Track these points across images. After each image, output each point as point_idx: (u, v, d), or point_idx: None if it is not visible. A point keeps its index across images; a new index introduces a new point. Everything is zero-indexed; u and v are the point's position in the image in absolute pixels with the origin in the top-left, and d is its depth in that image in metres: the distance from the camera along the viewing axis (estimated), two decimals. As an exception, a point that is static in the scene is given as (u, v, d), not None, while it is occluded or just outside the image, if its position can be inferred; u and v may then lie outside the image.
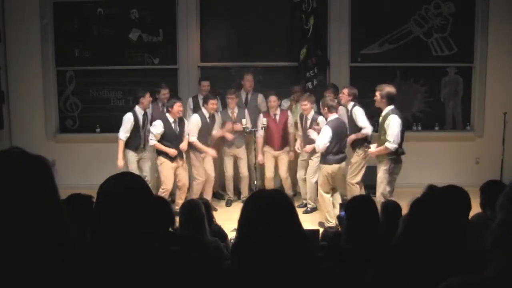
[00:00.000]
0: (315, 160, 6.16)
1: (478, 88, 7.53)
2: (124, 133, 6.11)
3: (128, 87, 7.46)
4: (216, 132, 6.52)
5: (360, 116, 6.01)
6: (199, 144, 6.27)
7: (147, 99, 6.23)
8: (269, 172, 6.79)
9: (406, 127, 5.79)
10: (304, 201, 6.64)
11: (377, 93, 5.53)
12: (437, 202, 2.20)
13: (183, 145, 6.18)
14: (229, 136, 6.54)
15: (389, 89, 5.54)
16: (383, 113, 5.51)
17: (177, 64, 7.51)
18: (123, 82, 7.57)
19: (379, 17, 7.41)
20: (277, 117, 6.62)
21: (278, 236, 1.62)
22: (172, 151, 6.02)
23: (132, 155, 6.21)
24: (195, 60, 7.50)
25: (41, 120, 7.59)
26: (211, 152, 6.35)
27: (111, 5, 7.44)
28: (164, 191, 6.08)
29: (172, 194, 6.41)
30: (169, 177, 6.10)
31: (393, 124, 5.33)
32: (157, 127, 5.97)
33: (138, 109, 6.23)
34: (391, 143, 5.31)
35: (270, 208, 1.68)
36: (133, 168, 6.15)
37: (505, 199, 1.19)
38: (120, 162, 6.08)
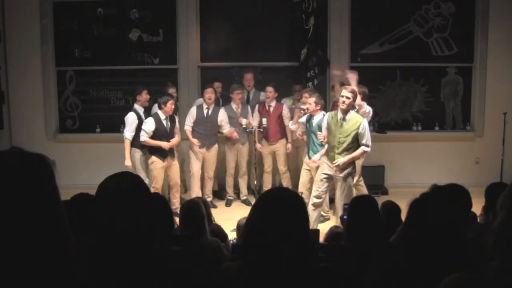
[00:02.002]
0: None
1: (478, 88, 7.53)
2: (130, 132, 6.12)
3: (128, 87, 7.47)
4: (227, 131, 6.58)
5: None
6: (189, 134, 6.46)
7: (143, 96, 6.25)
8: (266, 166, 6.85)
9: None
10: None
11: (350, 95, 5.00)
12: (437, 201, 2.20)
13: (174, 141, 6.22)
14: (235, 136, 6.59)
15: (364, 89, 5.45)
16: (349, 117, 5.03)
17: (177, 64, 7.50)
18: (123, 82, 7.57)
19: (379, 17, 7.41)
20: (271, 109, 6.68)
21: (287, 236, 1.62)
22: (164, 144, 6.06)
23: (138, 154, 6.21)
24: (195, 60, 7.50)
25: (41, 120, 7.59)
26: (196, 142, 6.44)
27: (111, 5, 7.44)
28: (154, 190, 6.09)
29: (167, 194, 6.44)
30: (160, 176, 6.15)
31: (367, 128, 5.11)
32: (148, 124, 6.02)
33: (138, 107, 6.26)
34: (370, 147, 5.09)
35: (281, 208, 1.67)
36: (140, 169, 6.16)
37: (506, 199, 1.19)
38: (128, 162, 6.09)
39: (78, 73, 7.61)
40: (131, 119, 6.16)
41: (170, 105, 6.04)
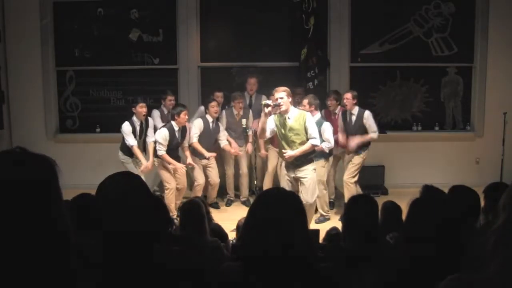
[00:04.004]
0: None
1: (478, 88, 7.53)
2: (133, 140, 6.08)
3: (128, 87, 7.46)
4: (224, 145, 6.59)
5: (372, 120, 6.03)
6: (199, 147, 6.35)
7: (138, 109, 6.11)
8: (270, 167, 6.81)
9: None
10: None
11: (282, 94, 4.94)
12: (436, 201, 2.20)
13: (186, 154, 6.29)
14: (237, 153, 6.63)
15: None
16: (293, 115, 4.99)
17: (177, 64, 7.50)
18: (123, 82, 7.57)
19: (379, 17, 7.41)
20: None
21: (286, 236, 1.62)
22: (179, 166, 6.06)
23: (128, 159, 6.21)
24: (195, 60, 7.50)
25: (41, 120, 7.59)
26: (209, 154, 6.38)
27: (111, 5, 7.43)
28: (169, 190, 6.09)
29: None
30: (170, 177, 6.12)
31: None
32: (163, 136, 5.93)
33: (135, 120, 6.18)
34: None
35: (279, 208, 1.67)
36: (131, 168, 6.15)
37: (508, 199, 1.19)
38: (145, 162, 6.07)
39: (78, 73, 7.61)
40: (126, 129, 6.07)
41: (183, 116, 5.98)
